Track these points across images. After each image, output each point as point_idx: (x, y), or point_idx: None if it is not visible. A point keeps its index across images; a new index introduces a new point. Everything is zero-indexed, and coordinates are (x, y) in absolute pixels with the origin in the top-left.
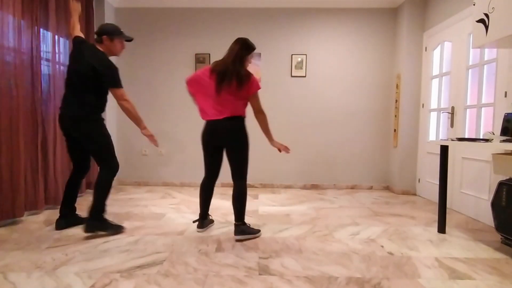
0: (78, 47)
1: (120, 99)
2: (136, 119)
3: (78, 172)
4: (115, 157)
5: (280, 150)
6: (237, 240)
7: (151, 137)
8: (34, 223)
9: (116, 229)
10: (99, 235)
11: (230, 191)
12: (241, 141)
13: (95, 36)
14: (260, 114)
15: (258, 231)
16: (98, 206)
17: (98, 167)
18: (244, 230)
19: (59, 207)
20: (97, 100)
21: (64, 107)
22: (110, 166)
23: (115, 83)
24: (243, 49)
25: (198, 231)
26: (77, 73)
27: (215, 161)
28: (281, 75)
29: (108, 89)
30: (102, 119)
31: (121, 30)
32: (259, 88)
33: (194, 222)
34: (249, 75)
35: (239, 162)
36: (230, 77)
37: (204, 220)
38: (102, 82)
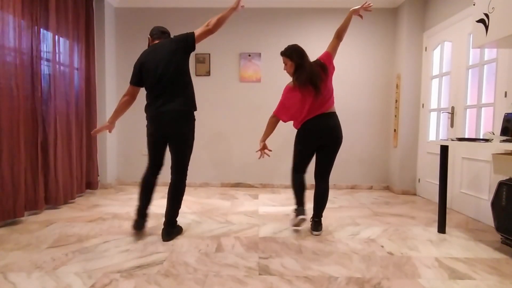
0: None
1: None
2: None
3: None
4: (149, 157)
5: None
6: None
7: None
8: (34, 223)
9: (182, 230)
10: (98, 235)
11: (230, 191)
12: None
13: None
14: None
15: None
16: (177, 213)
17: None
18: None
19: (59, 207)
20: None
21: None
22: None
23: None
24: None
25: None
26: None
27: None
28: (281, 75)
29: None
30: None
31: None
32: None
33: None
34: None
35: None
36: None
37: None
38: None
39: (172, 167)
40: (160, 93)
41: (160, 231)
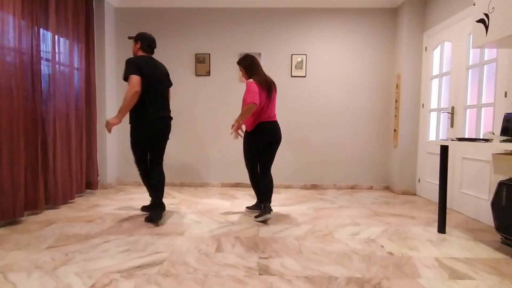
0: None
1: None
2: (121, 108)
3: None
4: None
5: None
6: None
7: (109, 125)
8: (34, 223)
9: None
10: (98, 235)
11: (230, 191)
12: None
13: (148, 46)
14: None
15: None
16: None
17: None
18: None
19: (59, 207)
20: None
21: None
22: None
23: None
24: None
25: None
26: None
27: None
28: (281, 75)
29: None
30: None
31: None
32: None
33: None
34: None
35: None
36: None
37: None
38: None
39: (153, 161)
40: (160, 101)
41: (157, 231)
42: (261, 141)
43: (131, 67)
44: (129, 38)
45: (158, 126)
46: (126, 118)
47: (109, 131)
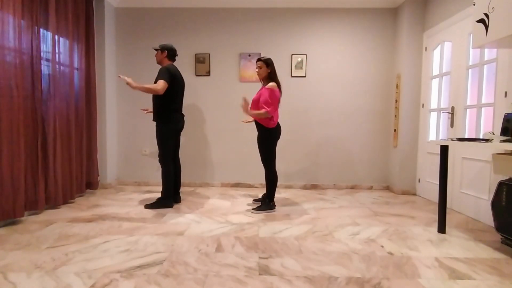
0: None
1: None
2: (143, 86)
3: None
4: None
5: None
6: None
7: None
8: (34, 223)
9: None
10: (98, 235)
11: (230, 191)
12: None
13: (172, 55)
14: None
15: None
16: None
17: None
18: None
19: (59, 207)
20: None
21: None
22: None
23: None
24: None
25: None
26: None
27: None
28: (281, 75)
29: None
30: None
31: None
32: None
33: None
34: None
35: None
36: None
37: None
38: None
39: (176, 153)
40: (180, 105)
41: (157, 231)
42: (278, 137)
43: (168, 74)
44: (154, 49)
45: (182, 124)
46: (124, 121)
47: (124, 81)
